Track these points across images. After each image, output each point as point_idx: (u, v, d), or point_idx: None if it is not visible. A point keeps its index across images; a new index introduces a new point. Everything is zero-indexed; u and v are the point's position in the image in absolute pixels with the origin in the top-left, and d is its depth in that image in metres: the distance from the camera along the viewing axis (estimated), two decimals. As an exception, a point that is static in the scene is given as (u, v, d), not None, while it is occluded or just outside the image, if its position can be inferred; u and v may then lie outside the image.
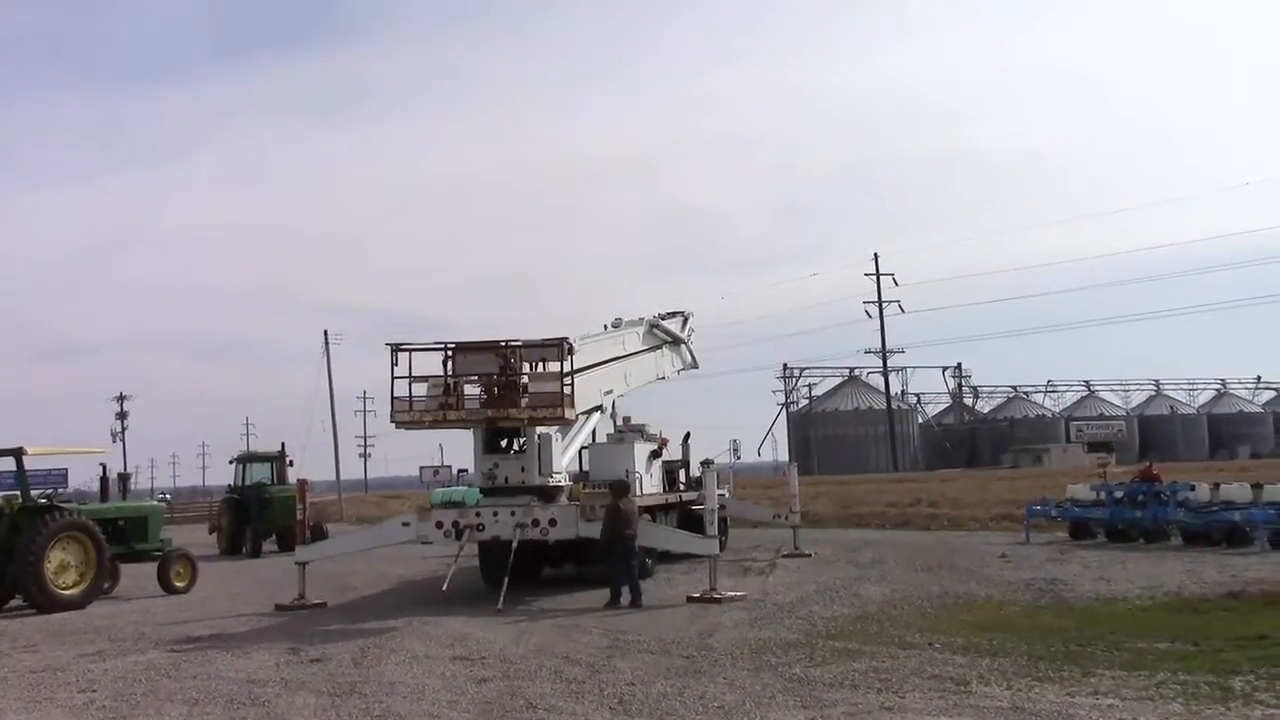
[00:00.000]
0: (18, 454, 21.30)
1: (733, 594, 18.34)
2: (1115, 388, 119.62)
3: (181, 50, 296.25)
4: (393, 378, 19.41)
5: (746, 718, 9.97)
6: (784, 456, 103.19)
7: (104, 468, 26.13)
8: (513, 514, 19.16)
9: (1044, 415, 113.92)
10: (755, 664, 12.48)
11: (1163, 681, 10.69)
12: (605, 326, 25.34)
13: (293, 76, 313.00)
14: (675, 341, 27.69)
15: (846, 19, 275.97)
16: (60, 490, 31.69)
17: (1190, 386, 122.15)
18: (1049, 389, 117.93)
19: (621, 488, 19.43)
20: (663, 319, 27.24)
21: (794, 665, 12.30)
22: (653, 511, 22.52)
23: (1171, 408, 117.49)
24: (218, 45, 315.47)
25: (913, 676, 11.43)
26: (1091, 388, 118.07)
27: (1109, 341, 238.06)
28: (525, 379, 19.77)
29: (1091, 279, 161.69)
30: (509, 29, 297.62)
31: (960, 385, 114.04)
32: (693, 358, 28.88)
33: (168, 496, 51.82)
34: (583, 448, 24.00)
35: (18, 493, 21.60)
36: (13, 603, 20.75)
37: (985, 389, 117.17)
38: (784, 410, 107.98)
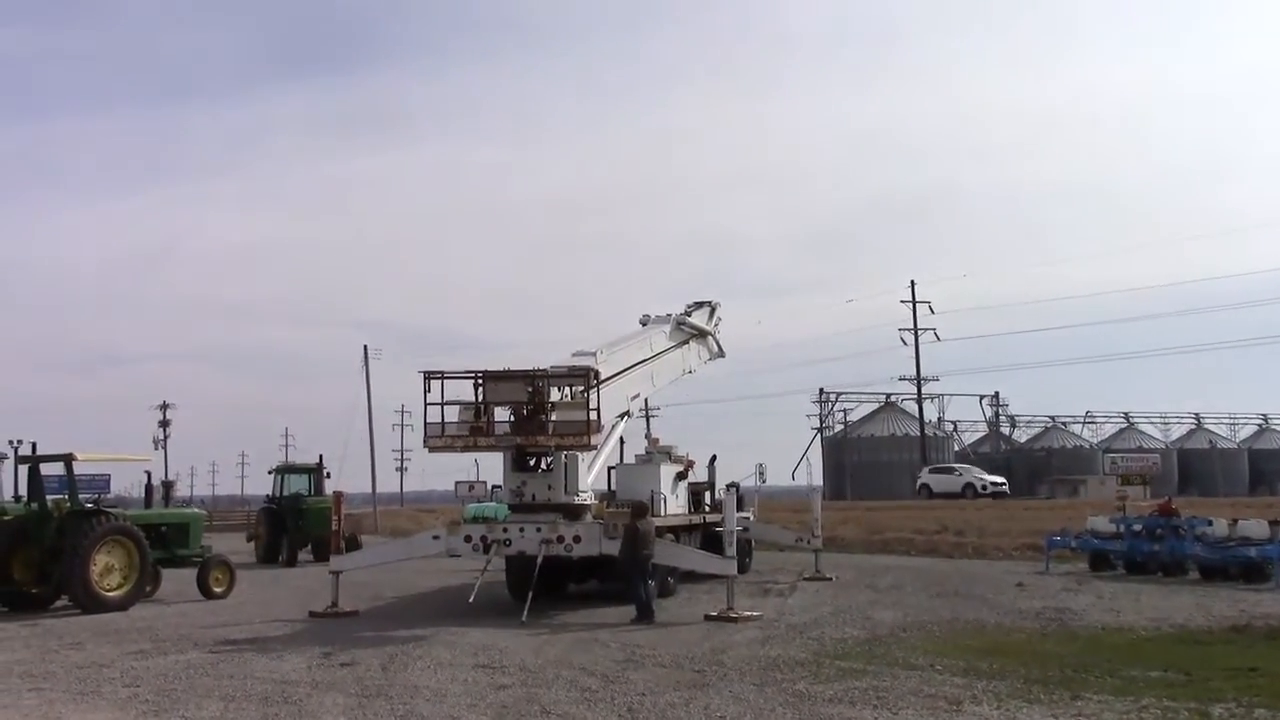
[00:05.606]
0: (68, 459, 22.25)
1: (749, 614, 18.89)
2: (1154, 420, 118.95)
3: (216, 70, 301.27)
4: (425, 404, 20.20)
5: (746, 728, 10.56)
6: (819, 481, 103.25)
7: (149, 475, 27.21)
8: (538, 530, 19.86)
9: (1082, 446, 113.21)
10: (761, 679, 13.06)
11: (1146, 706, 11.18)
12: (642, 323, 25.91)
13: (325, 98, 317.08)
14: (702, 334, 27.94)
15: (870, 48, 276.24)
16: (103, 495, 32.75)
17: (1231, 421, 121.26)
18: (1087, 419, 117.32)
19: (640, 509, 20.09)
20: (689, 313, 27.52)
21: (798, 682, 12.87)
22: (677, 532, 23.12)
23: (1211, 442, 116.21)
24: (251, 66, 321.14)
25: (910, 695, 11.98)
26: (1130, 419, 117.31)
27: (1149, 374, 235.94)
28: (553, 406, 20.48)
29: (1133, 311, 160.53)
30: (534, 56, 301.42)
31: (997, 414, 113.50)
32: (719, 347, 29.03)
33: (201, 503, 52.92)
34: (610, 467, 24.62)
35: (66, 497, 22.53)
36: (59, 603, 21.64)
37: (1023, 418, 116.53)
38: (819, 435, 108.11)
